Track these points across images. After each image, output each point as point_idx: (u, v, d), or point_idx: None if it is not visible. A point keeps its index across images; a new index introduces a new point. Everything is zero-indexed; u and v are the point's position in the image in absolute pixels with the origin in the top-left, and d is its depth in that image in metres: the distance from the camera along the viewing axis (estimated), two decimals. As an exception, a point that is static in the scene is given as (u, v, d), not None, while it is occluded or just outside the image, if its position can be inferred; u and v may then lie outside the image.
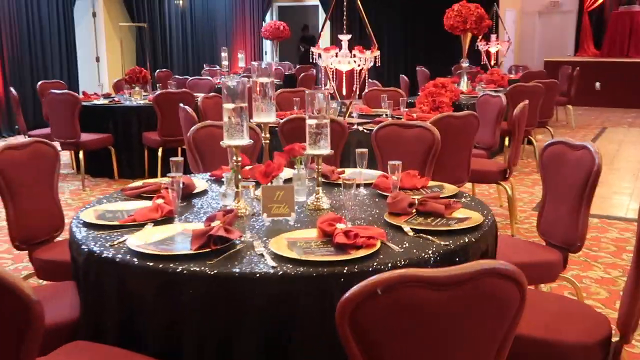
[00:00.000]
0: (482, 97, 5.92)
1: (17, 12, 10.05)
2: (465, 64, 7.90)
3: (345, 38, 5.20)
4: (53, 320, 2.18)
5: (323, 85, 5.30)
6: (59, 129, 6.44)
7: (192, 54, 13.74)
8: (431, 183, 2.88)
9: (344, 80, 5.38)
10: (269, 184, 2.48)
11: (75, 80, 11.10)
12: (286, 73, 12.25)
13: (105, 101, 6.97)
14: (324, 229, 2.09)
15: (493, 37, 10.76)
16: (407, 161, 2.94)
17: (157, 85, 7.83)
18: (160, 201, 2.42)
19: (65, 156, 7.12)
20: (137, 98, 7.05)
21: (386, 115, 5.49)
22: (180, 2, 13.42)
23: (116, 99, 7.05)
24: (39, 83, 7.83)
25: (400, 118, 5.27)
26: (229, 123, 2.38)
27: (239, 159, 2.42)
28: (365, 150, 2.98)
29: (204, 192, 2.80)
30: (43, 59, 10.53)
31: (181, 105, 4.84)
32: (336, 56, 5.18)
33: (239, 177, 2.45)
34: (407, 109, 5.64)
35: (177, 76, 9.90)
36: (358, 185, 2.64)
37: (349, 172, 3.05)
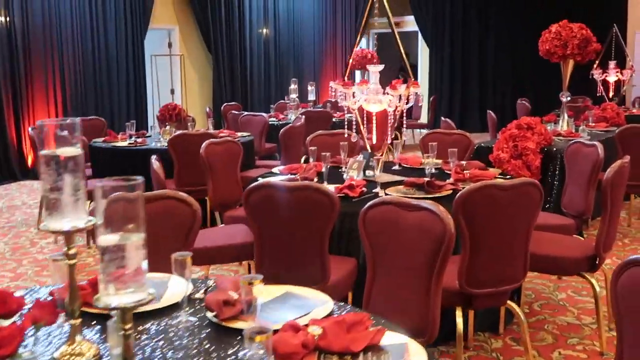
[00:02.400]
0: (571, 145, 4.40)
1: (83, 46, 9.60)
2: (565, 98, 6.32)
3: (374, 69, 3.93)
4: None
5: (347, 130, 4.04)
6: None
7: (274, 86, 12.86)
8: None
9: (375, 125, 4.09)
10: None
11: (143, 115, 10.49)
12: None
13: (125, 143, 6.08)
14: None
15: (612, 63, 8.99)
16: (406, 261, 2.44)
17: (223, 122, 6.88)
18: None
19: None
20: (167, 138, 6.11)
21: (429, 171, 4.11)
22: (264, 30, 12.62)
23: (139, 140, 6.14)
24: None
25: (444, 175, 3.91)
26: None
27: None
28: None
29: None
30: (110, 95, 10.00)
31: (153, 158, 3.79)
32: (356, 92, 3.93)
33: None
34: (462, 162, 4.23)
35: (245, 112, 8.92)
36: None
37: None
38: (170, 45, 11.39)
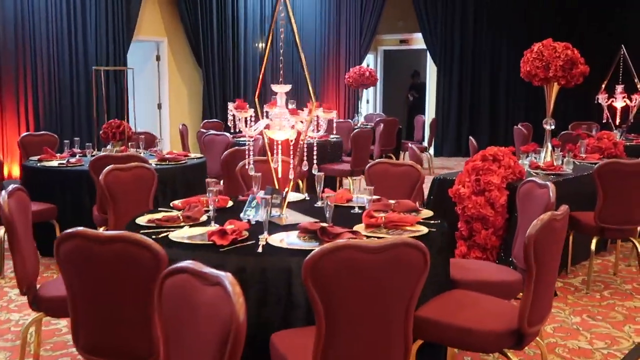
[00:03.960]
0: (524, 184, 3.73)
1: (59, 56, 9.18)
2: (549, 125, 5.61)
3: (281, 90, 3.33)
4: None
5: (248, 160, 3.43)
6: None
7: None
8: None
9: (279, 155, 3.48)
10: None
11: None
12: (367, 125, 10.41)
13: (56, 163, 5.57)
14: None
15: (619, 87, 8.23)
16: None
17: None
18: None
19: None
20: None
21: (354, 210, 3.49)
22: (260, 45, 12.10)
23: (73, 160, 5.61)
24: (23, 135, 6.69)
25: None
26: None
27: None
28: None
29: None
30: (87, 109, 9.55)
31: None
32: (261, 117, 3.34)
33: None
34: (390, 201, 3.59)
35: (211, 131, 8.34)
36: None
37: None
38: (158, 58, 10.93)
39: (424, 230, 3.06)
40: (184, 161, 5.81)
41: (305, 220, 3.30)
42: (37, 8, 8.83)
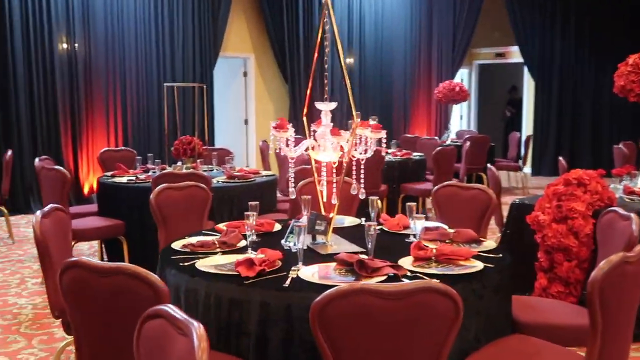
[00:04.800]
0: (605, 215, 3.27)
1: (147, 74, 9.38)
2: (648, 145, 5.04)
3: (325, 108, 3.08)
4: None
5: (291, 185, 3.18)
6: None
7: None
8: None
9: (324, 178, 3.21)
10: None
11: (212, 143, 10.09)
12: (457, 142, 9.97)
13: (125, 179, 5.57)
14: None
15: None
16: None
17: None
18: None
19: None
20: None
21: (410, 239, 3.19)
22: (348, 60, 11.92)
23: (142, 177, 5.60)
24: (102, 150, 6.81)
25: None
26: None
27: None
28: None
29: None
30: (174, 125, 9.70)
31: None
32: (308, 137, 3.10)
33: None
34: (447, 229, 3.24)
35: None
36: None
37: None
38: (245, 74, 10.99)
39: (479, 266, 2.70)
40: (252, 179, 5.66)
41: (351, 249, 3.02)
42: (127, 27, 9.07)
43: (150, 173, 5.81)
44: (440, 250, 2.83)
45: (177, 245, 3.06)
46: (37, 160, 5.78)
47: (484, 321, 2.59)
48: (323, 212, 3.21)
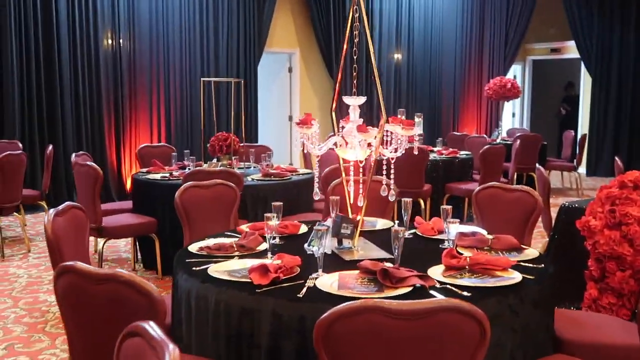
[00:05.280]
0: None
1: (191, 69, 9.33)
2: None
3: (354, 102, 2.87)
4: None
5: (316, 187, 2.98)
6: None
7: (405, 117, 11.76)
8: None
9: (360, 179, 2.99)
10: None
11: (254, 142, 9.98)
12: (508, 141, 9.58)
13: (158, 176, 5.47)
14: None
15: None
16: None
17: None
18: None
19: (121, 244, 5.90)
20: (211, 173, 5.40)
21: (444, 245, 2.95)
22: (396, 55, 11.63)
23: (177, 173, 5.49)
24: (140, 146, 6.74)
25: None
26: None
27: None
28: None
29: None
30: (217, 121, 9.62)
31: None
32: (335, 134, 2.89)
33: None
34: (485, 234, 2.99)
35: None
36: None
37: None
38: (290, 69, 10.84)
39: (517, 277, 2.45)
40: (288, 177, 5.49)
41: (378, 255, 2.80)
42: (171, 23, 9.03)
43: (185, 170, 5.70)
44: (475, 258, 2.58)
45: (194, 247, 2.90)
46: (73, 155, 5.74)
47: (520, 338, 2.34)
48: (350, 214, 3.00)
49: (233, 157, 5.70)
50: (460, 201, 7.29)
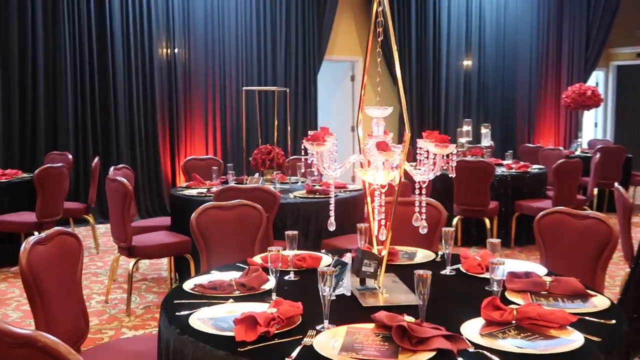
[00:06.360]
0: None
1: (248, 79, 9.03)
2: None
3: (377, 114, 2.39)
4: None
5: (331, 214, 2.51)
6: (114, 228, 4.81)
7: (474, 127, 11.09)
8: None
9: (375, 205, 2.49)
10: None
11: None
12: (588, 153, 8.78)
13: (195, 192, 5.11)
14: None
15: None
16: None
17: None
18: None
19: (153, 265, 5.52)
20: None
21: (491, 287, 2.41)
22: (466, 62, 10.98)
23: (215, 189, 5.11)
24: (187, 159, 6.46)
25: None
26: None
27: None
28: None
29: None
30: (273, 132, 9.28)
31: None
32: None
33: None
34: (544, 276, 2.42)
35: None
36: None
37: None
38: (353, 78, 10.38)
39: (578, 340, 1.89)
40: (335, 194, 5.01)
41: (407, 300, 2.30)
42: (227, 32, 8.79)
43: (216, 188, 5.33)
44: (525, 311, 2.03)
45: (188, 285, 2.48)
46: (111, 169, 5.48)
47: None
48: (376, 249, 2.50)
49: (276, 172, 5.28)
50: (531, 220, 6.60)
